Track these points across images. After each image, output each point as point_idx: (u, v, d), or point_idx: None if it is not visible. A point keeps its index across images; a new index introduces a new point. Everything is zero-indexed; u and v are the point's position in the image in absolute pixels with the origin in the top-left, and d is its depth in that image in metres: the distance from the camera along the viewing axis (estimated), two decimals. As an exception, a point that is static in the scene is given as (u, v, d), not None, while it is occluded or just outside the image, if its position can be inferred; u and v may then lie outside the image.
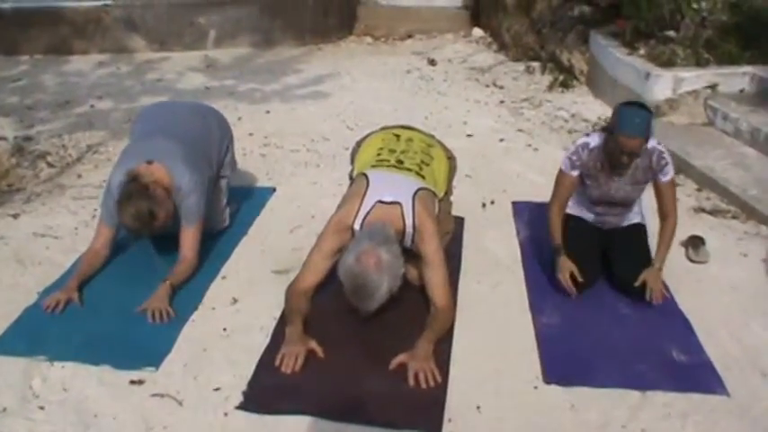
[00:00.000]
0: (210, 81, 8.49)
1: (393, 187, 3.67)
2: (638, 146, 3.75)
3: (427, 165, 3.88)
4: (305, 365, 3.39)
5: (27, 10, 9.58)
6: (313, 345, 3.48)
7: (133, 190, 3.87)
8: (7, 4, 9.62)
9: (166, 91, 8.02)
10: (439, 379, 3.30)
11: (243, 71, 8.91)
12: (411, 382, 3.27)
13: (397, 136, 4.06)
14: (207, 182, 4.23)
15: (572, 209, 4.25)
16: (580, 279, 3.88)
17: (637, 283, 3.84)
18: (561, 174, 4.09)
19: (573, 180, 4.06)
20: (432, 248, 3.60)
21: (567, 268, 3.91)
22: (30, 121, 7.04)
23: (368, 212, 3.59)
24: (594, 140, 3.99)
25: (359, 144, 4.18)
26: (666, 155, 3.95)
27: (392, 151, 3.91)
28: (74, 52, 9.64)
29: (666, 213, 4.01)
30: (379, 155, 3.90)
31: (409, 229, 3.59)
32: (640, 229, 4.23)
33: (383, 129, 4.28)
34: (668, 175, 3.97)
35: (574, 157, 4.00)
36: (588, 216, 4.25)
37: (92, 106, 7.54)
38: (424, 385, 3.25)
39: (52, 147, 6.30)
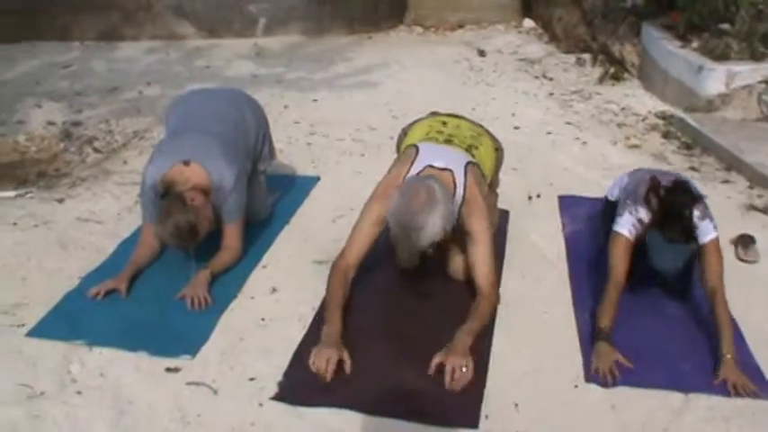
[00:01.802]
0: (259, 69, 8.49)
1: (444, 156, 3.58)
2: (670, 273, 3.64)
3: (476, 148, 3.79)
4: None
5: (79, -4, 9.64)
6: (345, 355, 3.27)
7: (170, 206, 3.79)
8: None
9: (214, 78, 8.04)
10: (470, 376, 3.17)
11: (292, 59, 8.89)
12: (447, 380, 3.14)
13: (445, 123, 3.97)
14: (246, 176, 4.18)
15: (613, 192, 4.13)
16: (618, 374, 3.28)
17: (716, 382, 3.28)
18: (622, 238, 3.67)
19: (632, 244, 3.65)
20: (480, 226, 3.52)
21: (609, 358, 3.33)
22: (79, 106, 7.09)
23: (418, 173, 3.51)
24: (645, 217, 3.66)
25: (405, 132, 4.12)
26: (698, 218, 3.58)
27: (440, 132, 3.82)
28: (124, 38, 9.69)
29: (712, 288, 3.52)
30: (427, 133, 3.82)
31: (458, 198, 3.48)
32: None
33: (431, 114, 4.22)
34: (708, 235, 3.59)
35: (638, 225, 3.65)
36: None
37: (140, 92, 7.58)
38: (459, 386, 3.13)
39: (99, 132, 6.34)
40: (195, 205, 3.82)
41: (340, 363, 3.24)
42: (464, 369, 3.17)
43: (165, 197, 3.87)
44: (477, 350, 3.34)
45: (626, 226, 3.68)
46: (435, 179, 3.39)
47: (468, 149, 3.73)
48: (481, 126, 4.16)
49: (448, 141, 3.74)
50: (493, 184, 4.06)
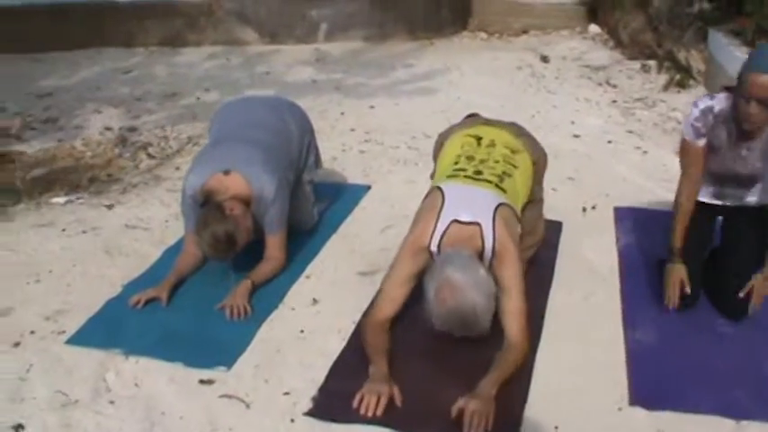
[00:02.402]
0: (318, 74, 8.43)
1: (470, 204, 3.38)
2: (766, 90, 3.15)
3: (509, 176, 3.57)
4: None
5: (143, 2, 9.71)
6: (396, 391, 3.09)
7: (208, 215, 3.74)
8: (125, -4, 9.80)
9: (273, 84, 8.00)
10: (490, 425, 2.93)
11: (352, 65, 8.82)
12: (465, 428, 2.89)
13: (479, 139, 3.75)
14: (288, 186, 4.12)
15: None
16: (688, 291, 3.55)
17: (741, 294, 3.48)
18: (686, 144, 3.56)
19: (701, 151, 3.51)
20: (510, 273, 3.31)
21: (677, 278, 3.57)
22: (136, 111, 7.13)
23: (444, 232, 3.32)
24: (720, 103, 3.43)
25: (442, 139, 3.96)
26: None
27: (470, 159, 3.62)
28: (187, 44, 9.72)
29: None
30: (456, 163, 3.62)
31: (488, 253, 3.31)
32: (762, 224, 3.70)
33: (469, 118, 4.10)
34: None
35: (698, 124, 3.46)
36: (704, 191, 3.75)
37: (198, 98, 7.58)
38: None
39: (155, 138, 6.36)
40: (234, 215, 3.76)
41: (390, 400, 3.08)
42: (483, 418, 2.93)
43: (203, 206, 3.82)
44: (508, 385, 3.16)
45: (688, 127, 3.50)
46: (458, 255, 3.21)
47: (500, 181, 3.51)
48: (520, 134, 3.91)
49: (477, 174, 3.51)
50: (535, 196, 3.90)
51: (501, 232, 3.32)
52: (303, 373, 3.32)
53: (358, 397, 3.05)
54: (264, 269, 4.00)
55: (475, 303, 3.09)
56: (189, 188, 3.94)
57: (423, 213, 3.49)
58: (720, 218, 3.91)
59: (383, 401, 3.03)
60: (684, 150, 3.57)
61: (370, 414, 2.99)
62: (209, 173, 3.90)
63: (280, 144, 4.19)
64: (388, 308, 3.46)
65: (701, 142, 3.51)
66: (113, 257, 4.34)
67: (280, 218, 4.01)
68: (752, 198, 3.68)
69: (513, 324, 3.28)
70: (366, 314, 3.58)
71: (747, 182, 3.65)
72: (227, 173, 3.88)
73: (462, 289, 3.09)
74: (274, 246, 4.04)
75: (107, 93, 7.82)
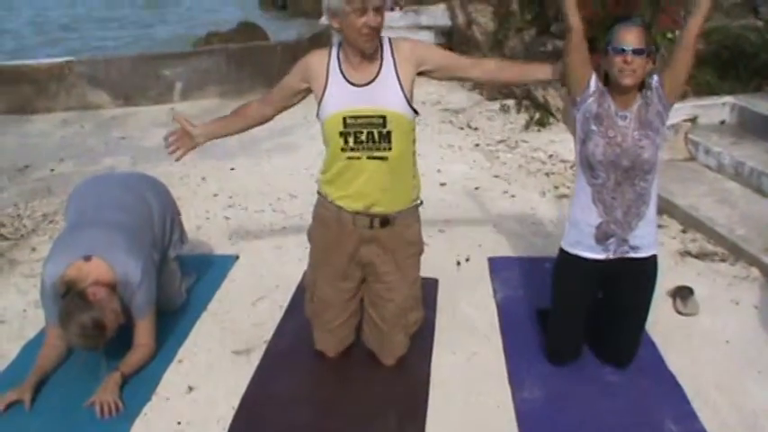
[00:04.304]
0: (175, 136, 8.19)
1: None
2: (635, 38, 3.21)
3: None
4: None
5: (-14, 69, 9.34)
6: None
7: (71, 305, 3.49)
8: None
9: (129, 149, 7.76)
10: None
11: (209, 124, 8.61)
12: None
13: None
14: (154, 266, 3.90)
15: (570, 236, 3.57)
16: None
17: None
18: None
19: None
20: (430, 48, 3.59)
21: None
22: (-15, 189, 6.75)
23: None
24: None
25: None
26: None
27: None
28: (37, 111, 9.39)
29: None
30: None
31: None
32: (648, 282, 3.57)
33: None
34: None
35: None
36: (588, 240, 3.48)
37: (52, 170, 7.23)
38: None
39: (7, 218, 5.99)
40: (98, 299, 3.52)
41: None
42: None
43: (65, 297, 3.57)
44: None
45: None
46: None
47: None
48: None
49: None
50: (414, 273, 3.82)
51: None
52: (183, 474, 3.12)
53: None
54: (134, 358, 3.76)
55: None
56: (48, 278, 3.67)
57: None
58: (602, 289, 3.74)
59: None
60: None
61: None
62: (67, 261, 3.64)
63: (141, 224, 3.97)
64: (277, 98, 3.91)
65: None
66: (-33, 359, 4.02)
67: (148, 302, 3.79)
68: (636, 239, 3.45)
69: (467, 63, 3.65)
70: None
71: (632, 192, 3.40)
72: (87, 259, 3.64)
73: None
74: (144, 331, 3.82)
75: (-50, 169, 7.39)
